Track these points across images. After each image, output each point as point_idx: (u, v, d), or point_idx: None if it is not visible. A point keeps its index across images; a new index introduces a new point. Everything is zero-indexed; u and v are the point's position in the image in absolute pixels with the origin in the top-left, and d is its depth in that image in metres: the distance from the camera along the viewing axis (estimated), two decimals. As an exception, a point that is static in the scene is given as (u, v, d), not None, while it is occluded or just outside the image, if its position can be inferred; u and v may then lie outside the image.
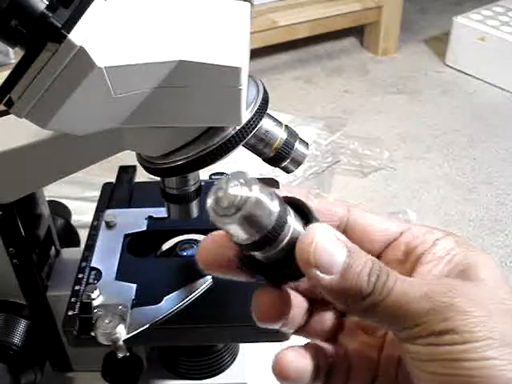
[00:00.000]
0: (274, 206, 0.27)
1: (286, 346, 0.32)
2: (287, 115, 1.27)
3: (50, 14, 0.35)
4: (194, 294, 0.55)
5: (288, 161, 0.50)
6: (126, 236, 0.63)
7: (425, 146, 1.27)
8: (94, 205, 0.69)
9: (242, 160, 0.80)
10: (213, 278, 0.57)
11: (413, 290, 0.27)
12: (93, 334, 0.52)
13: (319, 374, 0.32)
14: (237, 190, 0.26)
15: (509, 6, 1.59)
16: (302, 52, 1.63)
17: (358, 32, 1.67)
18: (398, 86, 1.49)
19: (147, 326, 0.53)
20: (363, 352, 0.33)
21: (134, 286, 0.56)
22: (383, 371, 0.33)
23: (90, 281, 0.57)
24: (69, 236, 0.74)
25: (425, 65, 1.59)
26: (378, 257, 0.33)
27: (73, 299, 0.55)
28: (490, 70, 1.48)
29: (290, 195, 0.30)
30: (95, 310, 0.53)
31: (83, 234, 0.69)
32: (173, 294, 0.55)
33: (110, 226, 0.64)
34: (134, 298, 0.55)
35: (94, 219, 0.66)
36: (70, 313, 0.54)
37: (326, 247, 0.27)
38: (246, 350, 0.68)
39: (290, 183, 1.11)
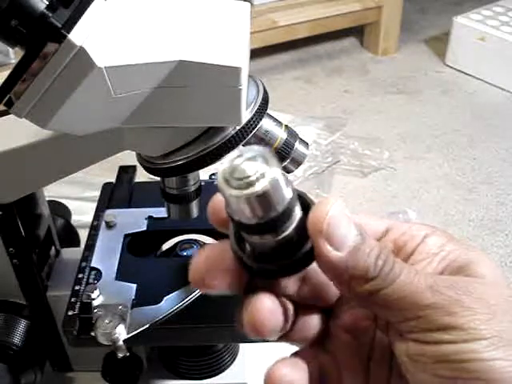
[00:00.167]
0: (288, 192, 0.25)
1: (280, 356, 0.31)
2: (287, 115, 1.27)
3: (50, 14, 0.35)
4: (194, 294, 0.55)
5: (288, 161, 0.50)
6: (126, 236, 0.63)
7: (425, 146, 1.27)
8: (94, 205, 0.69)
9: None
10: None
11: (418, 281, 0.27)
12: (93, 333, 0.52)
13: (312, 383, 0.31)
14: (256, 165, 0.24)
15: (509, 6, 1.59)
16: (302, 52, 1.63)
17: (358, 32, 1.67)
18: (398, 86, 1.49)
19: (147, 326, 0.53)
20: (352, 356, 0.32)
21: (134, 286, 0.56)
22: (374, 375, 0.32)
23: (90, 281, 0.57)
24: (69, 236, 0.74)
25: (425, 65, 1.59)
26: None
27: (73, 299, 0.55)
28: (490, 70, 1.48)
29: None
30: (95, 310, 0.53)
31: (83, 234, 0.69)
32: (173, 294, 0.55)
33: (110, 225, 0.64)
34: (133, 298, 0.55)
35: (94, 219, 0.66)
36: (70, 313, 0.54)
37: (339, 222, 0.27)
38: (245, 350, 0.68)
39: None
